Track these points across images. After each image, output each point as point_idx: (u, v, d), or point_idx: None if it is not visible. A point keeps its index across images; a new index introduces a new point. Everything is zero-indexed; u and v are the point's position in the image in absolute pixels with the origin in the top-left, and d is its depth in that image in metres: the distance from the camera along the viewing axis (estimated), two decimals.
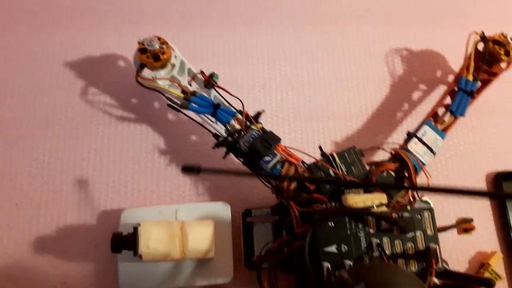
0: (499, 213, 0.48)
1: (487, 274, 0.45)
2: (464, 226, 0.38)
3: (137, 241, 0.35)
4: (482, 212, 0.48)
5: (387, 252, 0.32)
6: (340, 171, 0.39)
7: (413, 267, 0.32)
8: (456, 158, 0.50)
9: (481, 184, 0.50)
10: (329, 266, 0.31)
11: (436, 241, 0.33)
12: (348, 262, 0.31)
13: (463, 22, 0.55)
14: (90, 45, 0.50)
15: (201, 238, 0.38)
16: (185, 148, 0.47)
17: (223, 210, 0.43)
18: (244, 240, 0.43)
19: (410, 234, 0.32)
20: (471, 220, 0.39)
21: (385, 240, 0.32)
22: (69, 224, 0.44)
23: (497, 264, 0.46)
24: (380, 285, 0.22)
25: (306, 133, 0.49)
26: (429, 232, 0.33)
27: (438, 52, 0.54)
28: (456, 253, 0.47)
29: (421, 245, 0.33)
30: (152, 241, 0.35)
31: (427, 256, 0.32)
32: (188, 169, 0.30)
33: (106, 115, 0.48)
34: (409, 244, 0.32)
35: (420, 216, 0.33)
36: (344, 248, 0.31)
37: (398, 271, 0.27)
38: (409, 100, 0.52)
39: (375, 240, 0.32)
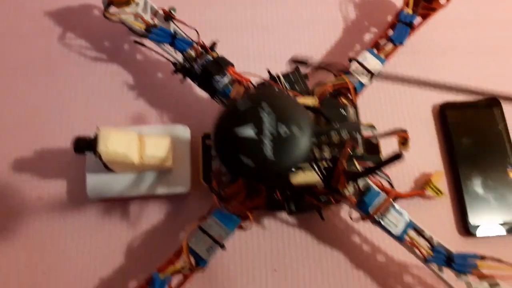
0: (443, 136, 0.52)
1: (429, 190, 0.49)
2: (399, 133, 0.42)
3: (96, 143, 0.39)
4: (427, 134, 0.53)
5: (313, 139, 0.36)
6: (284, 88, 0.43)
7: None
8: (406, 93, 0.54)
9: (428, 114, 0.54)
10: None
11: (358, 130, 0.36)
12: None
13: None
14: None
15: (158, 146, 0.43)
16: (151, 84, 0.52)
17: (183, 131, 0.47)
18: (203, 159, 0.47)
19: (335, 126, 0.36)
20: (406, 131, 0.43)
21: None
22: (45, 147, 0.49)
23: (439, 181, 0.49)
24: (261, 98, 0.26)
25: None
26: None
27: None
28: (402, 175, 0.51)
29: (344, 135, 0.36)
30: (111, 141, 0.39)
31: (346, 142, 0.35)
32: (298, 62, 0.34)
33: (81, 57, 0.53)
34: (334, 134, 0.36)
35: (345, 110, 0.37)
36: None
37: (284, 94, 0.29)
38: (361, 42, 0.56)
39: None
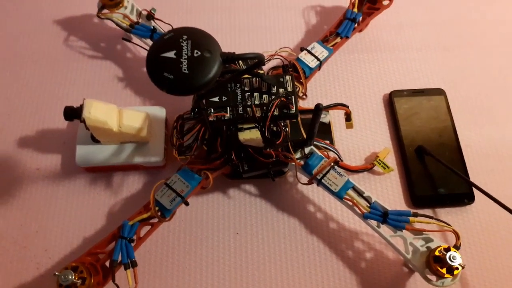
0: (392, 120, 0.59)
1: (377, 165, 0.55)
2: (340, 107, 0.48)
3: (82, 110, 0.47)
4: (378, 119, 0.59)
5: (256, 102, 0.43)
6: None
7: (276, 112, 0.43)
8: (359, 85, 0.62)
9: (379, 102, 0.60)
10: (212, 110, 0.42)
11: (293, 94, 0.43)
12: (228, 109, 0.42)
13: None
14: (72, 7, 0.66)
15: (135, 118, 0.50)
16: (137, 76, 0.61)
17: (159, 111, 0.55)
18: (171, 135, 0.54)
19: (274, 90, 0.43)
20: (347, 105, 0.49)
21: (256, 94, 0.43)
22: (46, 128, 0.58)
23: (385, 157, 0.55)
24: (182, 31, 0.33)
25: None
26: (289, 88, 0.44)
27: (345, 6, 0.67)
28: (354, 154, 0.57)
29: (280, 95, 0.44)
30: (93, 109, 0.47)
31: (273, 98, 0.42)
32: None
33: (80, 54, 0.63)
34: (274, 97, 0.43)
35: (283, 78, 0.44)
36: (224, 98, 0.43)
37: (201, 30, 0.35)
38: None
39: (247, 94, 0.43)
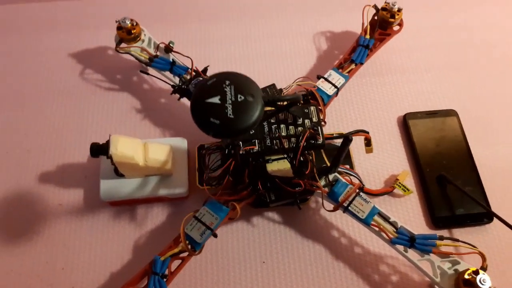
0: (407, 142, 0.60)
1: (397, 188, 0.56)
2: (361, 134, 0.50)
3: (108, 146, 0.48)
4: (393, 141, 0.60)
5: (283, 133, 0.44)
6: None
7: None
8: (373, 108, 0.63)
9: (394, 124, 0.62)
10: (241, 143, 0.43)
11: (319, 124, 0.44)
12: (256, 141, 0.43)
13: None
14: (87, 41, 0.67)
15: (159, 151, 0.51)
16: (154, 107, 0.62)
17: (181, 142, 0.55)
18: (198, 166, 0.55)
19: (300, 121, 0.44)
20: (367, 132, 0.50)
21: (282, 125, 0.44)
22: (66, 162, 0.58)
23: (405, 180, 0.56)
24: (224, 76, 0.35)
25: None
26: (314, 119, 0.45)
27: (353, 31, 0.69)
28: (373, 177, 0.58)
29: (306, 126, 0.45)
30: (120, 145, 0.47)
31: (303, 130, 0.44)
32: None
33: (98, 87, 0.63)
34: (300, 128, 0.44)
35: (308, 109, 0.45)
36: (251, 131, 0.44)
37: (242, 75, 0.37)
38: (332, 66, 0.66)
39: (274, 126, 0.44)
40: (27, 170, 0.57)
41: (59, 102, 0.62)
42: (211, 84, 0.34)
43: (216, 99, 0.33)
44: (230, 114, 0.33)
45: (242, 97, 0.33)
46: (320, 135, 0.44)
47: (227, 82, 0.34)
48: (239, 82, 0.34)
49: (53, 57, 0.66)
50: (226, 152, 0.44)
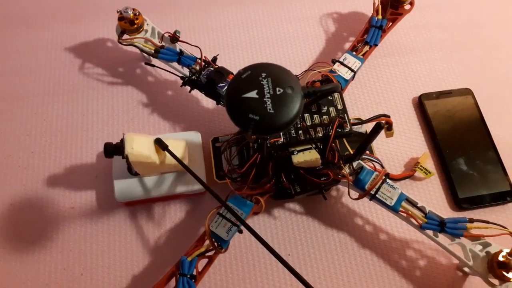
0: (425, 123, 0.59)
1: (418, 171, 0.55)
2: (382, 118, 0.48)
3: (123, 146, 0.45)
4: (410, 123, 0.59)
5: (308, 123, 0.42)
6: None
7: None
8: (387, 90, 0.61)
9: (409, 106, 0.60)
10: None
11: (345, 112, 0.43)
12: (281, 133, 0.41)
13: None
14: (84, 33, 0.64)
15: (175, 147, 0.48)
16: (162, 100, 0.59)
17: (195, 136, 0.53)
18: (214, 160, 0.53)
19: (324, 109, 0.43)
20: (388, 115, 0.49)
21: (306, 115, 0.42)
22: (74, 163, 0.55)
23: (426, 162, 0.55)
24: (261, 67, 0.32)
25: None
26: (339, 106, 0.43)
27: (361, 11, 0.66)
28: (393, 161, 0.57)
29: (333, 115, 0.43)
30: (135, 144, 0.45)
31: (332, 118, 0.42)
32: None
33: (99, 82, 0.60)
34: (325, 117, 0.42)
35: (331, 96, 0.43)
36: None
37: (276, 65, 0.35)
38: (342, 49, 0.64)
39: None
40: (33, 173, 0.54)
41: (59, 100, 0.59)
42: (246, 78, 0.32)
43: (253, 94, 0.31)
44: (270, 109, 0.31)
45: (281, 90, 0.31)
46: (348, 123, 0.42)
47: (264, 75, 0.32)
48: (276, 74, 0.32)
49: (48, 52, 0.62)
50: (254, 146, 0.41)
